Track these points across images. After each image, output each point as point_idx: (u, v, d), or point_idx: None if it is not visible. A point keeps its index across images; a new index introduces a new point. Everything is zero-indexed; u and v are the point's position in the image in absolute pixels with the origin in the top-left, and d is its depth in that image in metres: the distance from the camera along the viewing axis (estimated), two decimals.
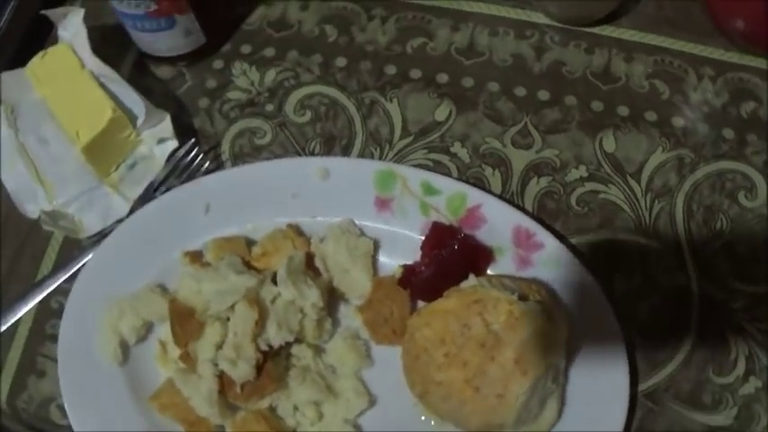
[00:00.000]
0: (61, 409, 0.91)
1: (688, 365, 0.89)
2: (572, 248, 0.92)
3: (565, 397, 0.86)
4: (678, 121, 0.99)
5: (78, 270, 0.95)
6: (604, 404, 0.85)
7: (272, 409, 0.88)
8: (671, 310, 0.91)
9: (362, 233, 0.93)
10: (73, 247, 0.98)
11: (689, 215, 0.95)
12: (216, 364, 0.86)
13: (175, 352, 0.90)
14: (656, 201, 0.95)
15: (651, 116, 0.99)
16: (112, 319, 0.91)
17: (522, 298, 0.84)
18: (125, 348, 0.90)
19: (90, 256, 0.95)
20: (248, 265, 0.92)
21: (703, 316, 0.91)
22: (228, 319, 0.88)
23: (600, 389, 0.86)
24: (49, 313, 0.96)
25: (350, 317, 0.92)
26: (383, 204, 0.93)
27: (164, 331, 0.91)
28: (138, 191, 0.99)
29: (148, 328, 0.92)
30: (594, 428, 0.84)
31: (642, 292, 0.92)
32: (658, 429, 0.88)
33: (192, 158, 0.99)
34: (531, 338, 0.82)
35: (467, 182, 0.95)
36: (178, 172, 0.99)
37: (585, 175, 0.97)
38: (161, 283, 0.93)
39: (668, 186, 0.96)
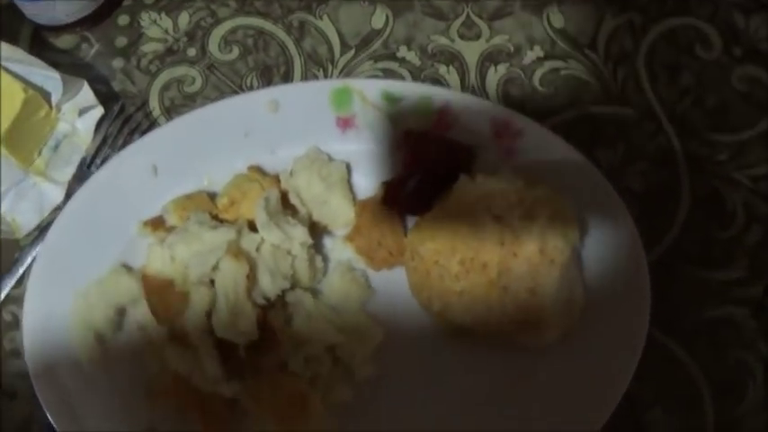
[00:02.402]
0: (44, 428, 0.80)
1: (689, 226, 0.87)
2: (551, 130, 0.87)
3: (584, 279, 0.82)
4: None
5: (25, 273, 0.85)
6: (623, 276, 0.81)
7: (283, 366, 0.80)
8: (660, 174, 0.89)
9: (332, 158, 0.86)
10: (11, 250, 0.87)
11: (653, 76, 0.92)
12: (211, 333, 0.78)
13: (160, 332, 0.80)
14: (618, 68, 0.92)
15: None
16: (81, 313, 0.81)
17: (529, 183, 0.79)
18: (101, 342, 0.81)
19: (35, 253, 0.85)
20: (217, 219, 0.83)
21: (692, 175, 0.89)
22: (212, 282, 0.79)
23: (615, 262, 0.82)
24: (4, 327, 0.85)
25: (338, 249, 0.85)
26: (346, 123, 0.86)
27: (140, 314, 0.82)
28: (70, 172, 0.89)
29: (122, 314, 0.82)
30: (619, 305, 0.80)
31: (628, 162, 0.89)
32: (677, 294, 0.84)
33: (122, 123, 0.89)
34: (550, 224, 0.77)
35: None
36: (110, 141, 0.89)
37: (542, 54, 0.93)
38: (124, 263, 0.83)
39: (626, 51, 0.93)
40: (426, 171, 0.83)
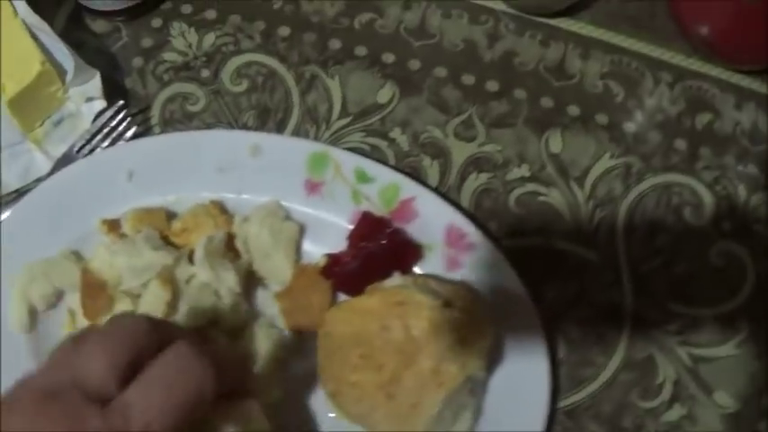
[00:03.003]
0: None
1: (612, 386, 0.87)
2: (505, 252, 0.88)
3: (482, 408, 0.83)
4: (630, 127, 0.94)
5: None
6: (521, 420, 0.83)
7: None
8: (601, 326, 0.88)
9: (289, 216, 0.89)
10: None
11: (630, 228, 0.91)
12: None
13: (84, 323, 0.86)
14: (598, 209, 0.92)
15: (602, 119, 0.95)
16: (23, 284, 0.86)
17: (447, 304, 0.81)
18: (33, 315, 0.87)
19: (5, 215, 0.91)
20: (167, 240, 0.88)
21: (634, 335, 0.88)
22: (140, 296, 0.85)
23: (518, 404, 0.84)
24: None
25: (267, 303, 0.88)
26: (313, 188, 0.89)
27: (74, 300, 0.87)
28: (62, 149, 0.94)
29: (59, 295, 0.88)
30: None
31: (573, 305, 0.89)
32: None
33: (119, 121, 0.94)
34: (452, 348, 0.78)
35: (403, 171, 0.91)
36: (103, 134, 0.93)
37: (527, 174, 0.93)
38: (76, 250, 0.88)
39: (612, 195, 0.92)
40: (368, 256, 0.86)
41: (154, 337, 0.59)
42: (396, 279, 0.83)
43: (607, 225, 0.91)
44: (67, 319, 0.87)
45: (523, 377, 0.84)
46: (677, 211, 0.92)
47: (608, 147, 0.94)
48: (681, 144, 0.94)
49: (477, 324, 0.81)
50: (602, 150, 0.94)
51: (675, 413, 0.86)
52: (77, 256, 0.88)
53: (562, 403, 0.86)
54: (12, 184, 0.93)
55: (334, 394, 0.82)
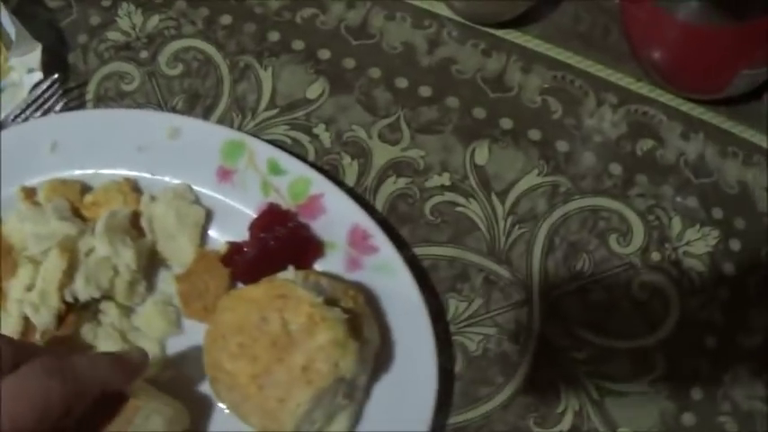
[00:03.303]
0: None
1: (508, 408, 0.84)
2: (411, 259, 0.87)
3: (362, 414, 0.82)
4: (563, 146, 0.92)
5: None
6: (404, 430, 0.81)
7: None
8: (504, 346, 0.86)
9: (198, 201, 0.89)
10: None
11: (549, 248, 0.88)
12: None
13: None
14: (517, 226, 0.89)
15: (535, 135, 0.92)
16: None
17: (332, 303, 0.80)
18: None
19: None
20: (77, 213, 0.89)
21: (539, 359, 0.85)
22: (41, 263, 0.85)
23: (402, 414, 0.82)
24: None
25: (166, 283, 0.89)
26: (225, 175, 0.89)
27: None
28: (1, 117, 0.96)
29: None
30: None
31: (478, 321, 0.86)
32: None
33: (52, 93, 0.95)
34: (326, 348, 0.77)
35: (320, 168, 0.90)
36: (36, 105, 0.95)
37: (448, 183, 0.91)
38: None
39: (534, 213, 0.89)
40: (266, 248, 0.85)
41: (8, 354, 0.67)
42: (288, 273, 0.82)
43: (524, 243, 0.89)
44: None
45: (409, 387, 0.82)
46: (602, 237, 0.89)
47: (537, 164, 0.91)
48: (616, 168, 0.91)
49: (361, 327, 0.80)
50: (529, 167, 0.91)
51: None
52: None
53: (453, 419, 0.84)
54: None
55: (212, 380, 0.81)
